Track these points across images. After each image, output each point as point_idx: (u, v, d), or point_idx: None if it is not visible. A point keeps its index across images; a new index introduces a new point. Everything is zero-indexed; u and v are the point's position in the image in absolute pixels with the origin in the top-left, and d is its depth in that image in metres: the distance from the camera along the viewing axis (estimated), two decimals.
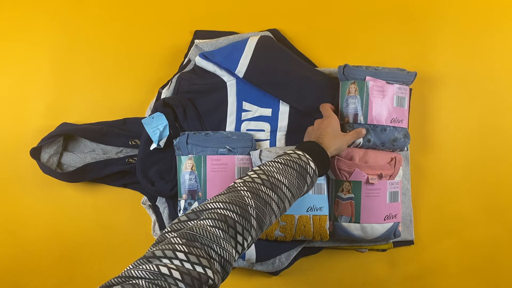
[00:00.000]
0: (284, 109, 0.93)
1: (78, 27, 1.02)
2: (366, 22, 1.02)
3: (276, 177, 0.63)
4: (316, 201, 0.86)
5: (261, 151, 0.86)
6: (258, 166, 0.66)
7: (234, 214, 0.56)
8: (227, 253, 0.52)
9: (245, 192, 0.59)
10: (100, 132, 0.95)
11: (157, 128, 0.91)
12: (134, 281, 0.45)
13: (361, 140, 0.86)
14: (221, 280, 0.52)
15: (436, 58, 1.01)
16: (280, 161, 0.66)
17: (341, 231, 0.87)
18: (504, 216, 0.97)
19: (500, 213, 0.97)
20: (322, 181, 0.87)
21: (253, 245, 0.87)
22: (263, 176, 0.62)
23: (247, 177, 0.63)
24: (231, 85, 0.94)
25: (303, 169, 0.66)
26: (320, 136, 0.77)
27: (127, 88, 1.00)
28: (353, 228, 0.86)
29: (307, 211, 0.85)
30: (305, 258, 0.95)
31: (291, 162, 0.66)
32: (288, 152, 0.70)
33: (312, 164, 0.68)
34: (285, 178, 0.63)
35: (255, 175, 0.62)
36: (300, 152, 0.69)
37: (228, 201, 0.57)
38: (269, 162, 0.67)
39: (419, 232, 0.96)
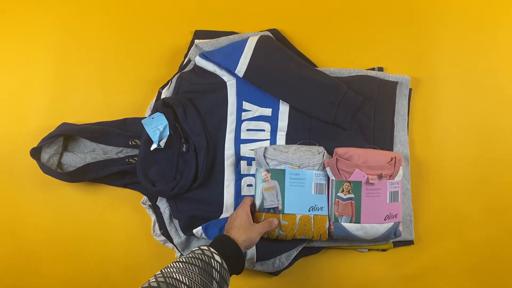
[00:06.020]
0: (284, 109, 0.93)
1: (78, 27, 1.02)
2: (366, 22, 1.02)
3: (175, 277, 0.62)
4: (317, 201, 0.86)
5: (266, 148, 0.87)
6: (160, 270, 0.65)
7: None
8: None
9: None
10: (100, 132, 0.95)
11: (157, 128, 0.91)
12: None
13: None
14: None
15: (436, 58, 1.01)
16: (182, 259, 0.66)
17: (341, 231, 0.87)
18: (504, 216, 0.97)
19: (500, 213, 0.97)
20: (323, 181, 0.87)
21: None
22: (161, 279, 0.61)
23: (146, 283, 0.61)
24: (231, 85, 0.94)
25: (206, 264, 0.66)
26: (229, 229, 0.77)
27: (127, 88, 1.00)
28: (354, 228, 0.87)
29: (309, 211, 0.85)
30: (305, 258, 0.95)
31: (193, 259, 0.66)
32: (194, 249, 0.70)
33: (217, 257, 0.68)
34: (185, 277, 0.62)
35: (153, 280, 0.61)
36: (204, 247, 0.69)
37: None
38: (171, 263, 0.66)
39: (419, 232, 0.96)
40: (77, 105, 1.00)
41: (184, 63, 0.98)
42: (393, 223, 0.88)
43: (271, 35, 0.97)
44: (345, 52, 1.01)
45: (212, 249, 0.69)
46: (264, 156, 0.87)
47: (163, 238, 0.93)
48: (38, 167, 0.92)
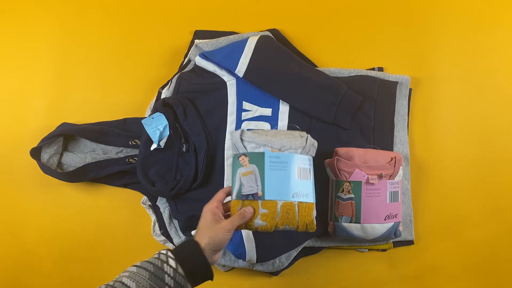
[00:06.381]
0: (284, 109, 0.93)
1: (78, 27, 1.02)
2: (366, 22, 1.02)
3: (124, 281, 0.60)
4: (301, 187, 0.76)
5: (243, 131, 0.78)
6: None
7: None
8: None
9: None
10: (100, 132, 0.95)
11: (157, 128, 0.91)
12: None
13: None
14: None
15: (436, 58, 1.01)
16: (138, 263, 0.64)
17: (341, 231, 0.87)
18: (504, 216, 0.97)
19: (500, 213, 0.97)
20: (307, 165, 0.78)
21: (254, 246, 0.87)
22: (111, 283, 0.61)
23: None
24: (231, 84, 0.94)
25: (158, 269, 0.62)
26: (196, 231, 0.72)
27: (127, 88, 1.00)
28: (354, 228, 0.86)
29: (292, 197, 0.75)
30: (305, 258, 0.95)
31: (147, 263, 0.63)
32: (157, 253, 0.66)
33: (172, 262, 0.63)
34: (133, 282, 0.60)
35: (103, 286, 0.60)
36: (163, 251, 0.66)
37: None
38: (130, 267, 0.64)
39: (419, 232, 0.96)
40: (77, 105, 1.00)
41: (184, 63, 0.98)
42: (393, 223, 0.88)
43: (271, 35, 0.97)
44: (345, 52, 1.01)
45: (169, 253, 0.65)
46: (241, 139, 0.78)
47: (163, 238, 0.93)
48: (38, 167, 0.92)
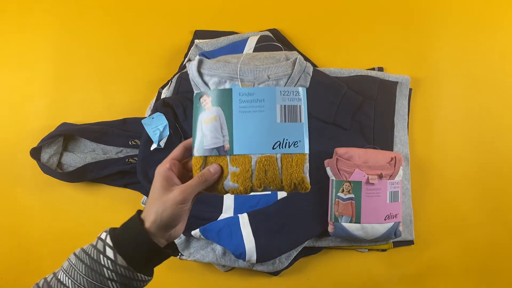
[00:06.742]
0: None
1: (78, 27, 1.02)
2: (366, 21, 1.02)
3: (59, 277, 0.51)
4: (286, 132, 0.55)
5: (202, 61, 0.58)
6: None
7: None
8: None
9: None
10: (100, 132, 0.95)
11: (157, 128, 0.91)
12: None
13: None
14: None
15: (436, 58, 1.01)
16: (76, 252, 0.52)
17: (341, 231, 0.87)
18: (504, 216, 0.97)
19: (500, 213, 0.97)
20: (296, 101, 0.56)
21: (254, 246, 0.87)
22: (49, 277, 0.52)
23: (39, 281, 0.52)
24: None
25: (94, 262, 0.50)
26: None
27: (127, 88, 1.00)
28: (354, 228, 0.87)
29: (273, 148, 0.55)
30: (305, 258, 0.95)
31: (83, 253, 0.51)
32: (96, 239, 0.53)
33: (109, 252, 0.50)
34: (69, 278, 0.50)
35: (42, 280, 0.52)
36: (102, 235, 0.52)
37: None
38: (70, 256, 0.53)
39: (419, 232, 0.96)
40: (77, 105, 1.00)
41: (184, 63, 0.98)
42: (393, 223, 0.88)
43: (271, 35, 0.97)
44: (345, 52, 1.01)
45: (108, 240, 0.51)
46: (199, 72, 0.57)
47: None
48: (38, 167, 0.92)
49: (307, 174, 0.56)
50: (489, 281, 0.96)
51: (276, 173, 0.55)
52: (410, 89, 0.98)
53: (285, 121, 0.56)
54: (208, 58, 0.96)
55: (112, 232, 0.52)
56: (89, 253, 0.51)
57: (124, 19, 1.02)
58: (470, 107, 0.99)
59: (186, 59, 0.98)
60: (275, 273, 0.93)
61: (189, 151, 0.58)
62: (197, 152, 0.56)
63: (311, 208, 0.90)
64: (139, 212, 0.54)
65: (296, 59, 0.56)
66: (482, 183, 0.97)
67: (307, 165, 0.56)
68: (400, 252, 0.96)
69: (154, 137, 0.90)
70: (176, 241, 0.92)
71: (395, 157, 0.89)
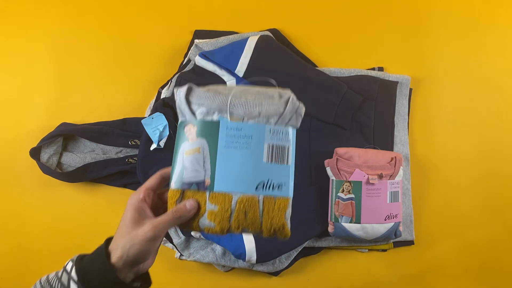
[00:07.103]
0: None
1: (78, 27, 1.02)
2: (366, 22, 1.02)
3: None
4: (272, 172, 0.53)
5: (191, 89, 0.54)
6: None
7: None
8: None
9: None
10: (100, 132, 0.95)
11: (157, 128, 0.91)
12: None
13: None
14: None
15: (436, 58, 1.01)
16: (42, 281, 0.50)
17: (341, 232, 0.87)
18: (504, 216, 0.97)
19: (501, 213, 0.97)
20: (285, 142, 0.54)
21: (254, 246, 0.87)
22: None
23: None
24: (231, 84, 0.94)
25: None
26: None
27: (127, 88, 1.00)
28: (354, 228, 0.86)
29: (256, 189, 0.52)
30: (305, 258, 0.95)
31: (47, 285, 0.49)
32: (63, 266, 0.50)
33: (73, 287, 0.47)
34: None
35: None
36: (68, 266, 0.50)
37: None
38: (37, 282, 0.50)
39: (419, 232, 0.96)
40: (77, 105, 1.00)
41: (184, 63, 0.98)
42: (393, 223, 0.88)
43: (271, 35, 0.97)
44: (345, 52, 1.01)
45: (73, 274, 0.48)
46: (188, 100, 0.54)
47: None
48: (38, 167, 0.92)
49: (289, 221, 0.54)
50: (489, 281, 0.96)
51: (256, 216, 0.52)
52: (410, 89, 0.98)
53: (271, 162, 0.53)
54: (208, 58, 0.96)
55: (78, 263, 0.50)
56: (53, 286, 0.48)
57: (124, 19, 1.02)
58: (470, 107, 0.99)
59: (186, 59, 0.98)
60: (275, 273, 0.93)
61: (166, 181, 0.54)
62: (174, 184, 0.53)
63: (311, 208, 0.90)
64: (107, 242, 0.51)
65: (289, 98, 0.54)
66: (482, 183, 0.97)
67: (289, 210, 0.54)
68: (400, 252, 0.96)
69: (154, 137, 0.90)
70: (176, 241, 0.92)
71: (395, 157, 0.89)
